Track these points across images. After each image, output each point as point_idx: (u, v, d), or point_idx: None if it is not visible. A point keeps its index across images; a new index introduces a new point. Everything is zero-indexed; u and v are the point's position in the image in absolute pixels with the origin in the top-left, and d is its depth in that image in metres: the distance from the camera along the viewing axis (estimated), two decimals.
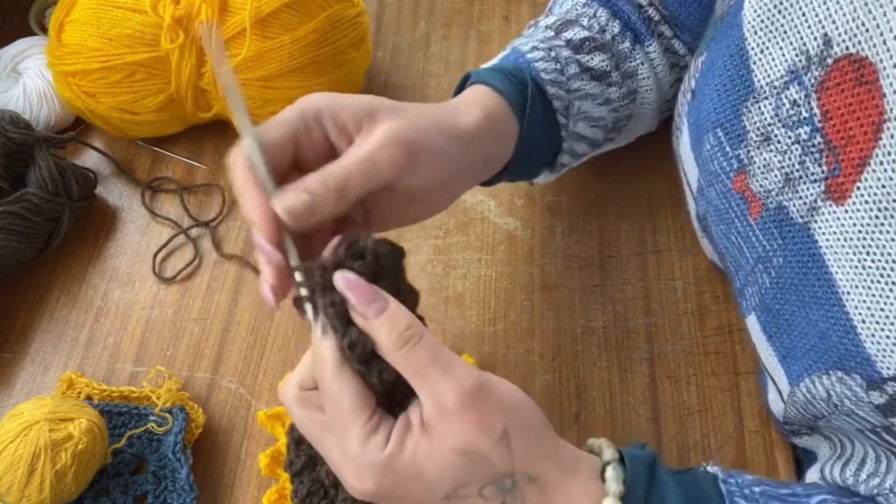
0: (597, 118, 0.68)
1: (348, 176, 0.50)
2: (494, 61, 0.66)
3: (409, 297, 0.49)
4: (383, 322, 0.44)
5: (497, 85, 0.60)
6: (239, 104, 0.50)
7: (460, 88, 0.64)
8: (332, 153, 0.52)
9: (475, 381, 0.44)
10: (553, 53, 0.65)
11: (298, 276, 0.48)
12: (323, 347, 0.46)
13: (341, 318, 0.45)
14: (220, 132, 0.84)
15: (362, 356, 0.45)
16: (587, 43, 0.67)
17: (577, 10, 0.70)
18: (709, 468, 0.51)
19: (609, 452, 0.48)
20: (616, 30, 0.69)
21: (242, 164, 0.49)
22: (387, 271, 0.47)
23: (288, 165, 0.52)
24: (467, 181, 0.60)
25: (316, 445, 0.48)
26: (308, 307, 0.47)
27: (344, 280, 0.45)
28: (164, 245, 0.77)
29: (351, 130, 0.52)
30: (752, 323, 0.58)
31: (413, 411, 0.45)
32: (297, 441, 0.60)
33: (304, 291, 0.47)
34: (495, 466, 0.44)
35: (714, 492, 0.48)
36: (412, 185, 0.53)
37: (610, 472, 0.46)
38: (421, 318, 0.47)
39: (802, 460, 0.65)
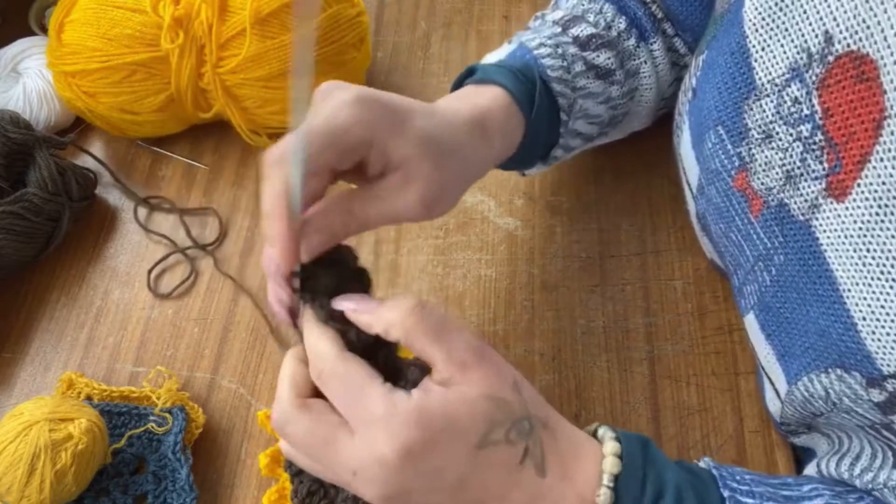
0: (594, 115, 0.68)
1: (369, 226, 0.51)
2: (501, 56, 0.66)
3: (364, 278, 0.52)
4: (389, 304, 0.46)
5: (509, 86, 0.61)
6: (304, 108, 0.43)
7: (462, 78, 0.64)
8: (349, 163, 0.51)
9: (479, 340, 0.46)
10: (560, 50, 0.65)
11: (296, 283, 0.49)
12: (319, 341, 0.46)
13: (336, 321, 0.47)
14: (220, 132, 0.84)
15: (366, 344, 0.46)
16: (594, 40, 0.67)
17: (583, 4, 0.70)
18: (700, 463, 0.51)
19: (602, 429, 0.49)
20: (622, 26, 0.69)
21: (279, 187, 0.46)
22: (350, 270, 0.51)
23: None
24: (472, 181, 0.61)
25: (322, 453, 0.46)
26: (301, 307, 0.49)
27: (344, 299, 0.48)
28: (159, 262, 0.76)
29: (389, 166, 0.51)
30: (751, 322, 0.58)
31: (425, 382, 0.45)
32: None
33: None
34: (515, 410, 0.45)
35: (707, 477, 0.48)
36: (433, 194, 0.54)
37: (602, 430, 0.48)
38: None
39: (802, 460, 0.65)
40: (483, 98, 0.60)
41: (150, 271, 0.76)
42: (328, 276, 0.49)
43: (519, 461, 0.44)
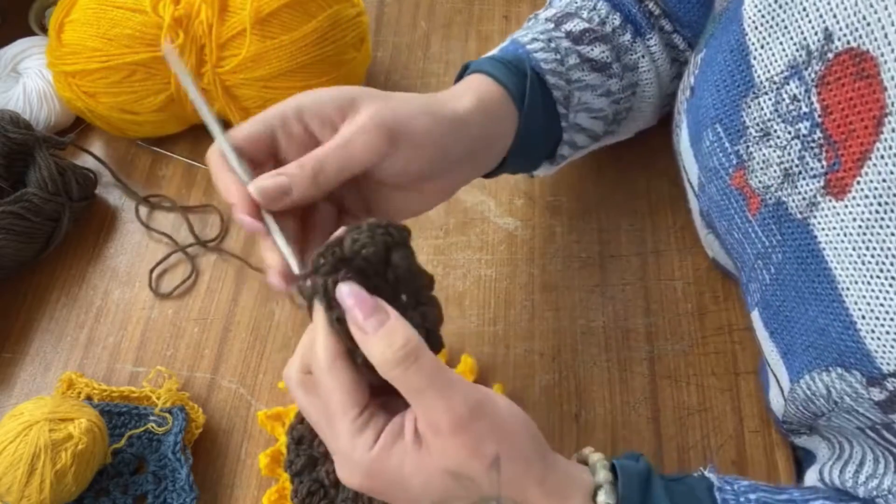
0: (597, 109, 0.68)
1: (324, 159, 0.51)
2: (494, 52, 0.66)
3: (421, 280, 0.48)
4: (379, 339, 0.43)
5: (495, 73, 0.60)
6: (202, 103, 0.53)
7: (459, 79, 0.64)
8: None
9: (471, 404, 0.43)
10: (553, 44, 0.65)
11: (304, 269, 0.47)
12: (318, 342, 0.46)
13: (340, 321, 0.45)
14: None
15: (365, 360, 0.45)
16: (587, 34, 0.67)
17: (576, 2, 0.70)
18: (706, 473, 0.51)
19: (602, 474, 0.47)
20: (616, 22, 0.69)
21: (216, 153, 0.52)
22: (393, 255, 0.46)
23: (264, 159, 0.53)
24: (467, 171, 0.60)
25: (317, 430, 0.48)
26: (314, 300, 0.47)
27: (344, 292, 0.45)
28: (161, 261, 0.77)
29: (336, 122, 0.52)
30: (756, 318, 0.58)
31: (408, 416, 0.45)
32: (297, 441, 0.60)
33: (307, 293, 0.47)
34: (482, 489, 0.44)
35: (709, 502, 0.48)
36: (398, 170, 0.53)
37: (602, 498, 0.46)
38: (438, 338, 0.48)
39: (802, 461, 0.65)
40: (466, 82, 0.61)
41: (151, 270, 0.76)
42: (354, 269, 0.45)
43: None
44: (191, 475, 0.62)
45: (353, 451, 0.44)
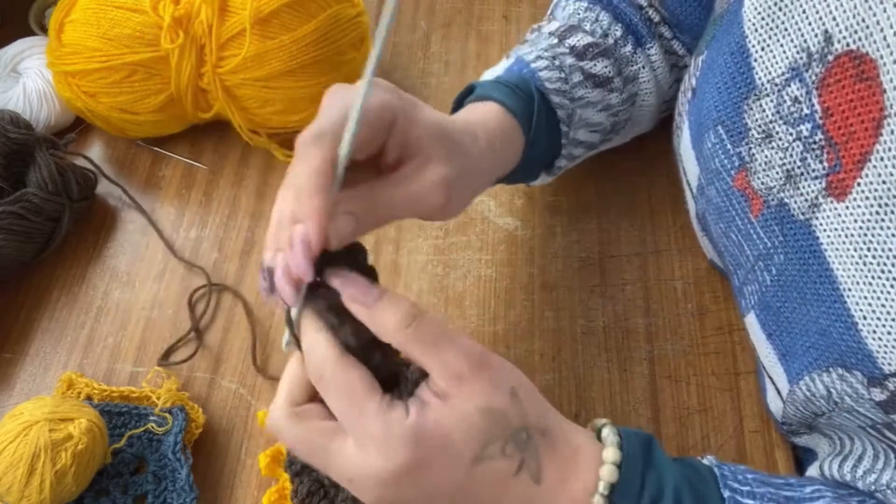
0: (596, 123, 0.68)
1: (394, 213, 0.50)
2: (499, 72, 0.67)
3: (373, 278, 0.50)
4: (386, 305, 0.45)
5: (506, 101, 0.61)
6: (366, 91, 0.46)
7: (462, 97, 0.64)
8: (375, 147, 0.51)
9: (478, 347, 0.45)
10: (557, 62, 0.66)
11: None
12: (318, 346, 0.45)
13: (335, 315, 0.46)
14: (219, 132, 0.85)
15: (359, 345, 0.45)
16: (591, 49, 0.68)
17: (579, 14, 0.71)
18: (704, 460, 0.51)
19: (602, 420, 0.48)
20: (618, 33, 0.69)
21: (317, 164, 0.45)
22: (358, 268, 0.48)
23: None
24: (470, 197, 0.60)
25: (318, 460, 0.46)
26: (294, 312, 0.47)
27: (339, 276, 0.46)
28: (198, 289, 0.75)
29: (406, 152, 0.51)
30: (752, 321, 0.58)
31: (422, 390, 0.45)
32: None
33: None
34: (512, 421, 0.44)
35: (709, 476, 0.48)
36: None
37: (606, 432, 0.47)
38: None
39: (803, 460, 0.65)
40: (480, 113, 0.60)
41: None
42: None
43: (514, 472, 0.44)
44: (191, 475, 0.62)
45: (391, 428, 0.43)
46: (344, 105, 0.47)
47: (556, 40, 0.68)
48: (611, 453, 0.45)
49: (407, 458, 0.43)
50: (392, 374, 0.46)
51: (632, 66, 0.70)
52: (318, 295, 0.46)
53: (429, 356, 0.44)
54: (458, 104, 0.65)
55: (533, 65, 0.65)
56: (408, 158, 0.51)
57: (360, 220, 0.47)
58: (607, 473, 0.45)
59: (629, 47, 0.69)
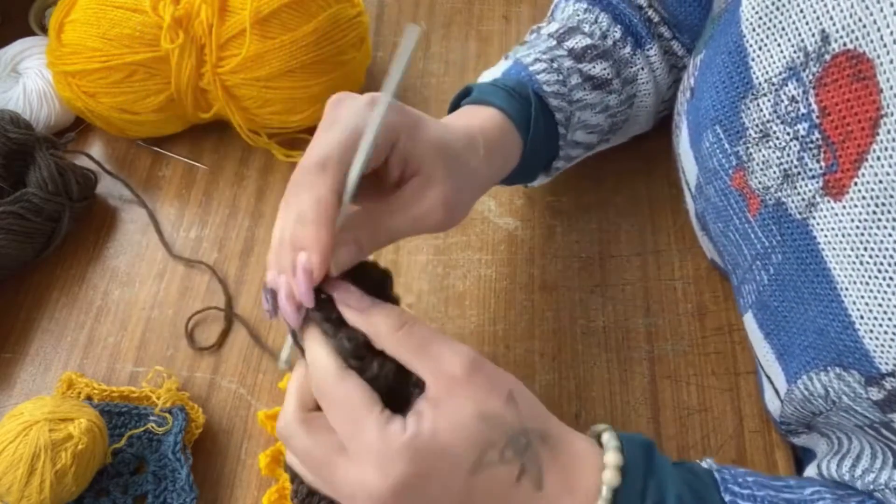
0: (594, 125, 0.69)
1: (396, 236, 0.51)
2: (497, 74, 0.67)
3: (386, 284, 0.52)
4: (378, 311, 0.46)
5: (505, 107, 0.61)
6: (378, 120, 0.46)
7: (460, 98, 0.64)
8: (377, 163, 0.51)
9: (471, 352, 0.45)
10: (555, 65, 0.66)
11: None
12: (320, 357, 0.46)
13: (333, 325, 0.47)
14: (219, 132, 0.85)
15: (357, 350, 0.45)
16: (589, 51, 0.68)
17: (578, 15, 0.71)
18: (703, 463, 0.51)
19: (602, 426, 0.48)
20: (617, 35, 0.69)
21: (322, 193, 0.45)
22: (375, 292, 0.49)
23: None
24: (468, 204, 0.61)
25: (323, 476, 0.46)
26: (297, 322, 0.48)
27: (335, 286, 0.47)
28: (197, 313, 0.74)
29: (408, 169, 0.51)
30: (749, 320, 0.58)
31: (418, 402, 0.45)
32: None
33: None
34: (510, 426, 0.44)
35: (709, 480, 0.48)
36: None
37: (607, 437, 0.47)
38: None
39: (802, 460, 0.65)
40: (479, 118, 0.60)
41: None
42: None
43: (515, 480, 0.44)
44: (191, 475, 0.62)
45: (389, 442, 0.42)
46: (347, 126, 0.47)
47: (554, 42, 0.68)
48: (612, 458, 0.45)
49: (405, 473, 0.42)
50: (398, 389, 0.46)
51: (631, 67, 0.70)
52: (318, 308, 0.47)
53: (421, 359, 0.44)
54: (455, 105, 0.65)
55: (531, 68, 0.65)
56: (409, 175, 0.51)
57: (361, 246, 0.48)
58: (610, 478, 0.44)
59: (628, 49, 0.69)
